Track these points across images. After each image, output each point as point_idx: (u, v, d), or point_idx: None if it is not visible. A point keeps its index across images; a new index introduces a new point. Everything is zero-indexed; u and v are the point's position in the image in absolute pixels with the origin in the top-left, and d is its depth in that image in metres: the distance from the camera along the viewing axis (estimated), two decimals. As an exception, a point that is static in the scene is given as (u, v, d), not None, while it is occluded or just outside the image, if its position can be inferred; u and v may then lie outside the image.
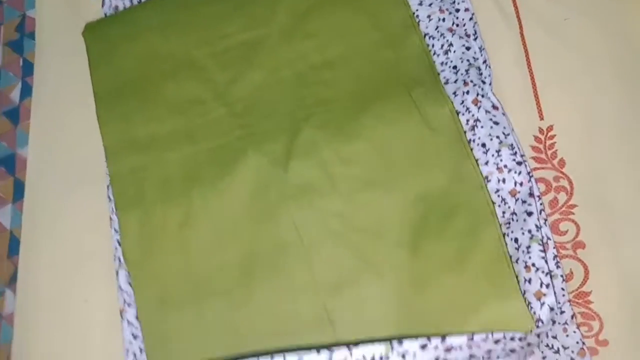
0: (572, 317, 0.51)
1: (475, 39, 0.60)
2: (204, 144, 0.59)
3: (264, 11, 0.63)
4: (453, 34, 0.60)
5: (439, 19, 0.61)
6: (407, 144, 0.56)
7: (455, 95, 0.57)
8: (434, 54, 0.60)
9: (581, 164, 0.56)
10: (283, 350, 0.43)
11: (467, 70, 0.58)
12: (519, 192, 0.53)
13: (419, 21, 0.61)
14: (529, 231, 0.51)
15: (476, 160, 0.55)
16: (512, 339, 0.45)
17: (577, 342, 0.50)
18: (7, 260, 0.60)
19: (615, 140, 0.56)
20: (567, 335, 0.50)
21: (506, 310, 0.48)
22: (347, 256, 0.53)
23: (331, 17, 0.62)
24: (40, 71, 0.66)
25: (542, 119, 0.58)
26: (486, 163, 0.54)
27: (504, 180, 0.53)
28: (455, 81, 0.58)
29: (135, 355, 0.53)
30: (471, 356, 0.45)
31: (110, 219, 0.58)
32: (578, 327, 0.51)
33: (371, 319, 0.50)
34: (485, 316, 0.48)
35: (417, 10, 0.62)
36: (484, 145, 0.55)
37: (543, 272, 0.49)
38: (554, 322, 0.48)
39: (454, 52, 0.59)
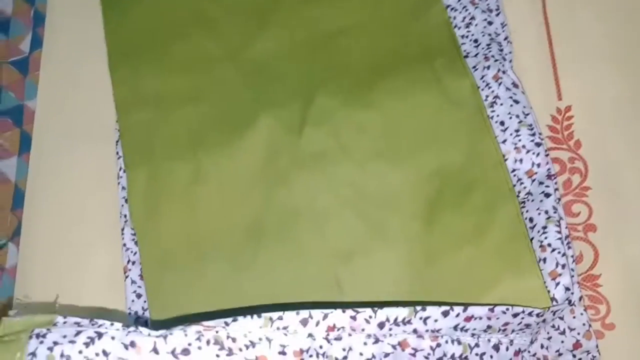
0: (579, 299, 0.51)
1: (497, 14, 0.59)
2: (215, 103, 0.58)
3: None
4: (476, 7, 0.59)
5: (462, -10, 0.60)
6: (425, 116, 0.55)
7: (475, 70, 0.56)
8: (455, 26, 0.59)
9: (597, 146, 0.56)
10: (306, 307, 0.43)
11: (488, 45, 0.57)
12: (536, 173, 0.52)
13: (441, -8, 0.60)
14: (546, 212, 0.50)
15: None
16: (530, 314, 0.45)
17: (584, 324, 0.50)
18: (11, 213, 0.60)
19: (633, 125, 0.56)
20: (574, 317, 0.50)
21: (523, 287, 0.48)
22: (359, 225, 0.52)
23: None
24: (51, 23, 0.65)
25: (560, 99, 0.58)
26: (504, 142, 0.54)
27: (521, 161, 0.53)
28: (476, 55, 0.57)
29: (137, 314, 0.53)
30: (488, 327, 0.45)
31: (118, 175, 0.57)
32: (585, 310, 0.51)
33: (382, 289, 0.50)
34: (502, 291, 0.48)
35: (439, -20, 0.60)
36: (502, 123, 0.54)
37: (559, 252, 0.48)
38: (570, 302, 0.48)
39: (476, 25, 0.58)
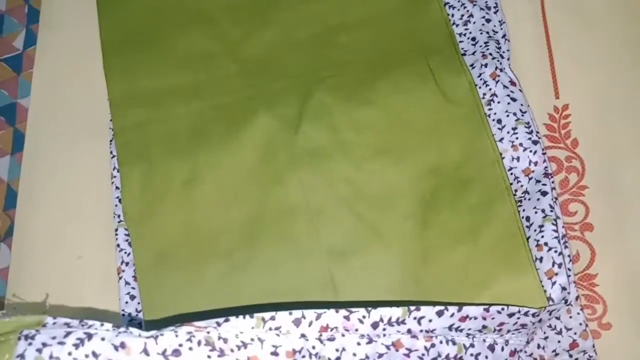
0: (576, 298, 0.51)
1: (495, 12, 0.59)
2: (213, 101, 0.57)
3: None
4: (474, 5, 0.58)
5: (460, -12, 0.59)
6: (422, 114, 0.55)
7: (473, 68, 0.56)
8: (453, 24, 0.59)
9: (594, 145, 0.55)
10: (299, 307, 0.42)
11: (486, 43, 0.57)
12: (533, 171, 0.52)
13: (439, -11, 0.60)
14: (543, 210, 0.50)
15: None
16: (526, 314, 0.45)
17: (580, 324, 0.50)
18: (3, 213, 0.59)
19: (630, 124, 0.56)
20: (571, 317, 0.50)
21: (519, 286, 0.48)
22: (354, 223, 0.52)
23: None
24: (46, 20, 0.64)
25: (557, 97, 0.57)
26: (501, 140, 0.53)
27: (518, 159, 0.52)
28: (474, 53, 0.57)
29: (131, 316, 0.52)
30: (484, 327, 0.45)
31: (112, 175, 0.57)
32: (582, 309, 0.50)
33: (376, 288, 0.50)
34: (498, 290, 0.48)
35: (437, -22, 0.60)
36: (499, 121, 0.54)
37: (556, 251, 0.48)
38: (566, 301, 0.48)
39: (474, 23, 0.58)
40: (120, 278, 0.54)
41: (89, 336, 0.40)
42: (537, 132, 0.53)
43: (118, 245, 0.55)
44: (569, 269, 0.49)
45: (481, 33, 0.57)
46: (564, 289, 0.47)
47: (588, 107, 0.57)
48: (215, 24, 0.61)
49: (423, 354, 0.44)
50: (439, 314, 0.44)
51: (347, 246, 0.51)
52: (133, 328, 0.41)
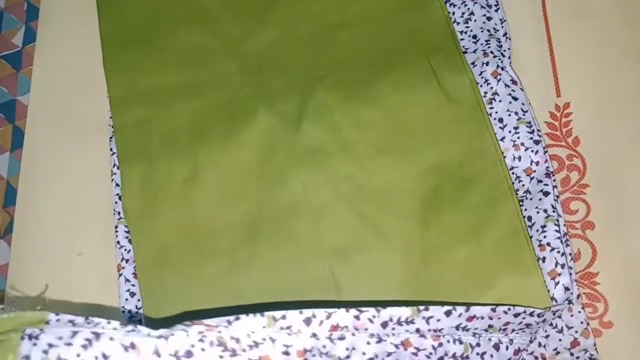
0: (577, 297, 0.51)
1: (496, 10, 0.59)
2: (213, 98, 0.57)
3: None
4: (475, 3, 0.58)
5: (461, -14, 0.59)
6: (423, 113, 0.54)
7: (474, 66, 0.56)
8: (454, 22, 0.59)
9: (596, 144, 0.55)
10: (304, 306, 0.42)
11: (487, 41, 0.57)
12: (535, 171, 0.52)
13: (440, -13, 0.60)
14: (545, 210, 0.50)
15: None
16: (532, 314, 0.45)
17: (582, 323, 0.50)
18: (3, 210, 0.59)
19: (631, 122, 0.56)
20: (572, 315, 0.50)
21: (523, 285, 0.48)
22: (355, 222, 0.52)
23: None
24: (45, 16, 0.64)
25: (559, 96, 0.57)
26: (502, 139, 0.53)
27: (519, 158, 0.52)
28: (475, 51, 0.57)
29: (131, 313, 0.52)
30: (490, 326, 0.45)
31: (112, 172, 0.57)
32: (583, 308, 0.50)
33: (378, 286, 0.50)
34: (501, 290, 0.48)
35: (438, -24, 0.60)
36: (501, 120, 0.54)
37: (559, 252, 0.48)
38: (569, 302, 0.48)
39: (475, 21, 0.58)
40: (120, 275, 0.54)
41: (97, 336, 0.39)
42: (539, 132, 0.53)
43: (118, 242, 0.55)
44: (571, 268, 0.50)
45: (482, 31, 0.57)
46: (567, 289, 0.47)
47: (589, 106, 0.57)
48: (215, 22, 0.60)
49: (431, 353, 0.44)
50: (447, 313, 0.44)
51: (349, 245, 0.51)
52: (141, 327, 0.40)
